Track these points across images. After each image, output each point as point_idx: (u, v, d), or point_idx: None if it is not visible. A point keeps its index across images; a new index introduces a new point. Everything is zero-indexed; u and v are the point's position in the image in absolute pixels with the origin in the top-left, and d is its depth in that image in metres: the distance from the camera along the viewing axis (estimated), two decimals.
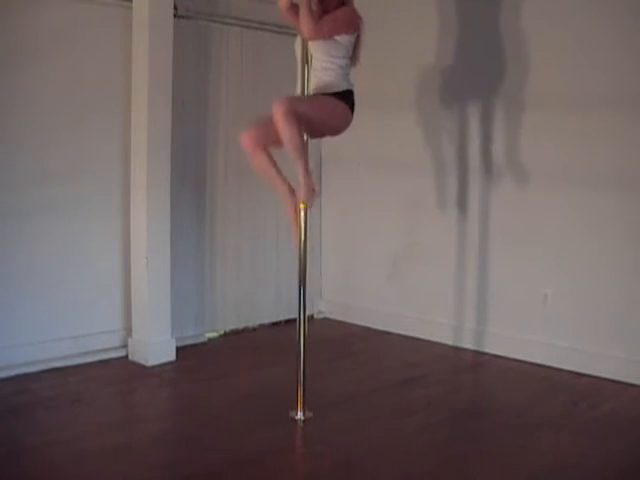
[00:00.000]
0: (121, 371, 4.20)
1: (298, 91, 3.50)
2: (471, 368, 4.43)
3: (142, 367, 4.24)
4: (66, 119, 4.17)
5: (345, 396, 3.81)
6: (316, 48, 3.38)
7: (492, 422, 3.51)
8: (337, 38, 3.36)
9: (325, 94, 3.39)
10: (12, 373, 3.93)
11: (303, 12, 3.29)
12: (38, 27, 3.99)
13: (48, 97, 4.09)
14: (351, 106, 3.46)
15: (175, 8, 4.32)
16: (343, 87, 3.42)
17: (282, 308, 5.26)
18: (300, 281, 3.49)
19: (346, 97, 3.43)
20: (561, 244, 4.27)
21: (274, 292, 5.20)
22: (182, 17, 4.46)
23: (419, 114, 4.86)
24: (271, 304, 5.21)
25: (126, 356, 4.39)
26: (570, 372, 4.17)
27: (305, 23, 3.29)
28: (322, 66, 3.38)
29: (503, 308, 4.54)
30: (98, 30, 4.24)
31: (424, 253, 4.94)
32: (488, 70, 4.52)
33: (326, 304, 5.55)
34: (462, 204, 4.71)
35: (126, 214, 4.39)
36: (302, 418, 3.45)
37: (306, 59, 3.42)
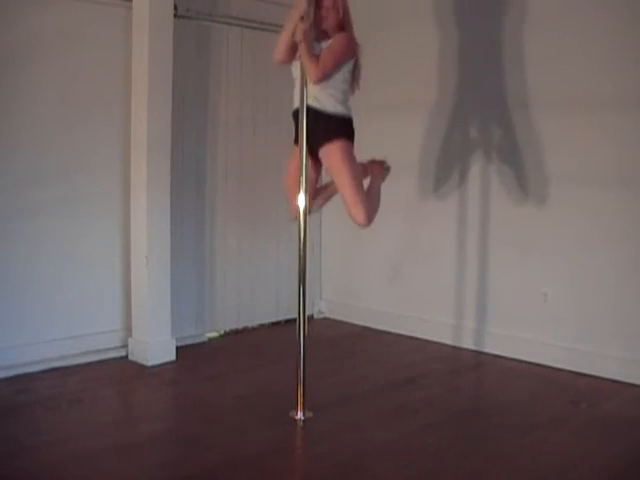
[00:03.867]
0: (121, 371, 4.20)
1: (296, 105, 3.47)
2: (471, 368, 4.43)
3: (142, 367, 4.24)
4: (66, 119, 4.17)
5: (345, 396, 3.81)
6: None
7: (492, 422, 3.51)
8: None
9: (320, 113, 3.36)
10: (12, 373, 3.94)
11: (305, 60, 3.28)
12: (38, 27, 3.99)
13: (48, 97, 4.09)
14: (352, 137, 3.45)
15: (175, 8, 4.33)
16: (341, 112, 3.39)
17: (282, 308, 5.26)
18: (300, 281, 3.49)
19: (346, 128, 3.41)
20: (561, 244, 4.27)
21: (274, 292, 5.20)
22: (182, 17, 4.46)
23: (420, 116, 4.86)
24: (271, 304, 5.21)
25: (126, 356, 4.39)
26: (570, 372, 4.17)
27: (310, 70, 3.27)
28: (320, 91, 3.36)
29: (503, 308, 4.54)
30: (98, 30, 4.24)
31: (424, 253, 4.94)
32: (489, 71, 4.53)
33: (326, 304, 5.55)
34: (462, 204, 4.71)
35: (126, 214, 4.39)
36: (302, 418, 3.45)
37: (305, 82, 3.39)
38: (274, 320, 5.25)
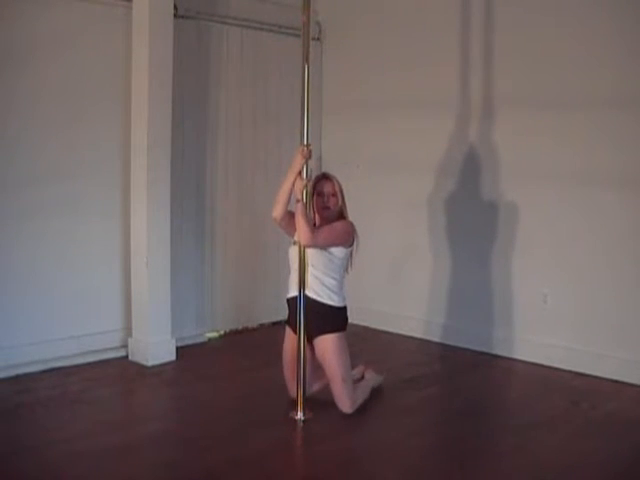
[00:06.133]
0: (121, 371, 4.20)
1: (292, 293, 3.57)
2: (471, 368, 4.43)
3: (142, 367, 4.24)
4: (66, 119, 4.17)
5: None
6: (313, 261, 3.43)
7: (492, 422, 3.52)
8: (334, 252, 3.44)
9: (315, 302, 3.46)
10: (12, 373, 3.94)
11: (299, 219, 3.35)
12: (38, 27, 3.99)
13: (48, 97, 4.09)
14: (345, 326, 3.53)
15: (175, 8, 4.33)
16: (336, 302, 3.48)
17: (282, 308, 5.22)
18: (300, 281, 3.49)
19: (340, 318, 3.51)
20: (561, 244, 4.27)
21: (274, 292, 5.19)
22: (182, 17, 4.47)
23: (419, 116, 4.86)
24: (271, 304, 5.20)
25: (126, 356, 4.39)
26: (570, 372, 4.17)
27: (302, 231, 3.34)
28: (319, 284, 3.45)
29: (503, 308, 4.54)
30: (98, 30, 4.24)
31: (424, 253, 4.94)
32: (490, 71, 4.53)
33: None
34: (461, 204, 4.71)
35: (126, 214, 4.39)
36: (302, 418, 3.45)
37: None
38: (274, 320, 5.24)
